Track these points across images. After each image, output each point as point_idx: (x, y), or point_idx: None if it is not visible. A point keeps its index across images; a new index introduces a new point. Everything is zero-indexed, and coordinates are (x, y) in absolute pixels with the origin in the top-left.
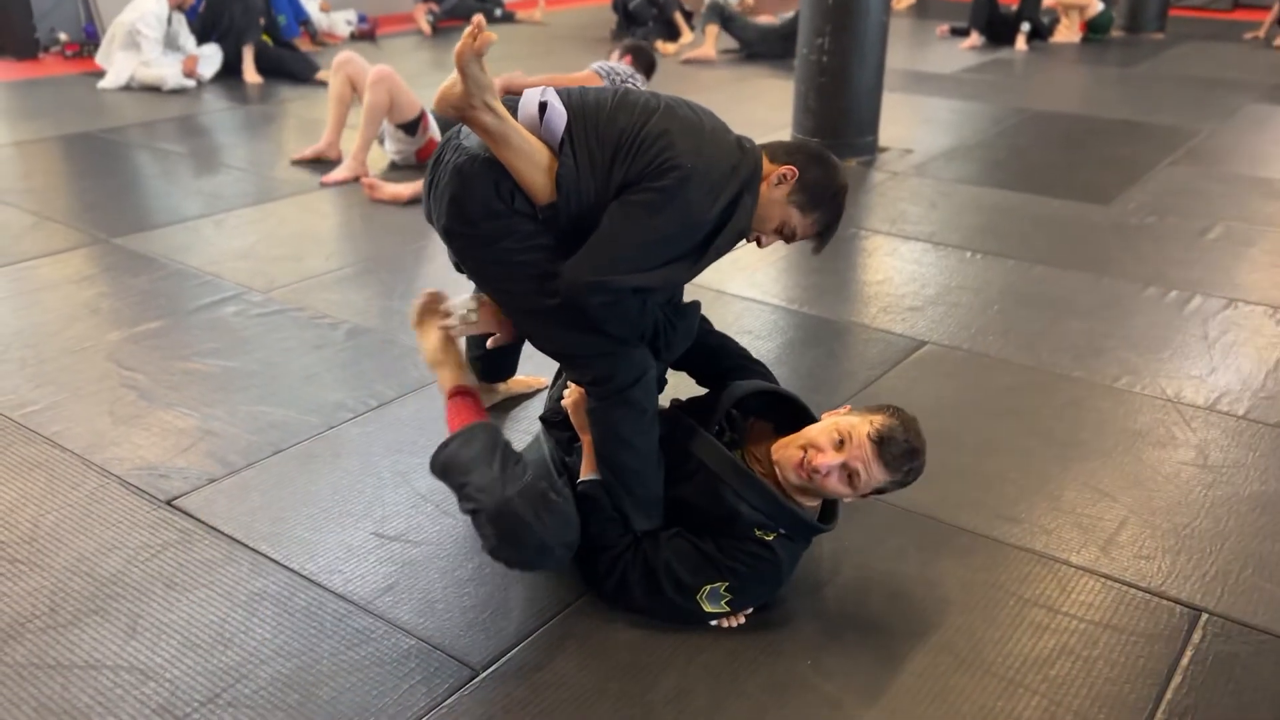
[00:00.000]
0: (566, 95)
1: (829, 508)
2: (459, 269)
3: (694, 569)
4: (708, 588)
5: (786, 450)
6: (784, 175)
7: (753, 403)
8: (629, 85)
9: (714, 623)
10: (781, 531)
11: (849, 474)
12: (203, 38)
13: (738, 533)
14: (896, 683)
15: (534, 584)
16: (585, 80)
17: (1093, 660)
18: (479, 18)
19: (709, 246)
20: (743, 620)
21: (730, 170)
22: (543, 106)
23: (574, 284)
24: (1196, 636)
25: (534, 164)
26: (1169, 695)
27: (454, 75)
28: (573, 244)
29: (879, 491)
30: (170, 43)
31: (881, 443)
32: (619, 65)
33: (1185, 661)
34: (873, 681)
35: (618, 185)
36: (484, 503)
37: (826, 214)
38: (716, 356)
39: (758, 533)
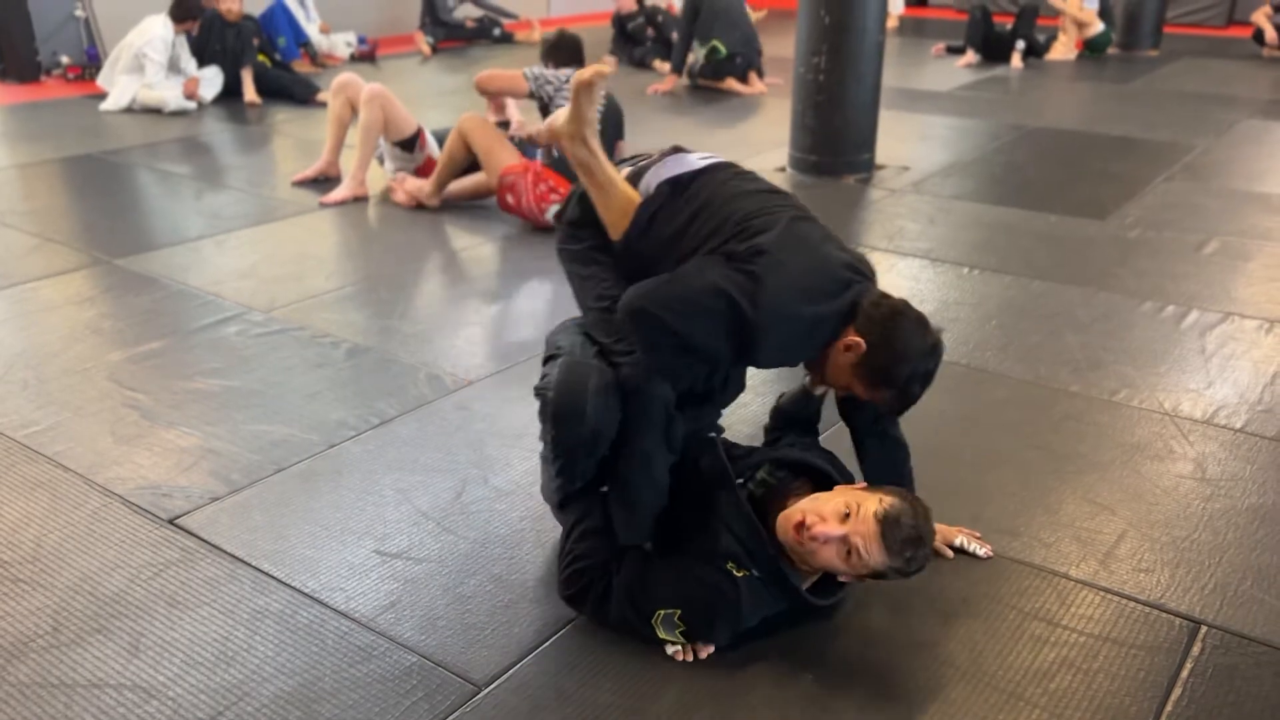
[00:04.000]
0: (706, 173)
1: (828, 584)
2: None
3: (651, 592)
4: (662, 613)
5: (789, 511)
6: (851, 345)
7: (804, 471)
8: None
9: (670, 652)
10: (754, 573)
11: (848, 550)
12: (198, 62)
13: (711, 558)
14: (899, 696)
15: (536, 600)
16: (515, 80)
17: (1093, 673)
18: (613, 59)
19: (748, 350)
20: (704, 656)
21: (815, 296)
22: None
23: (623, 305)
24: (1196, 649)
25: (611, 202)
26: (1169, 707)
27: (569, 106)
28: (634, 278)
29: (878, 575)
30: (172, 65)
31: (886, 523)
32: (548, 71)
33: (1185, 674)
34: (875, 695)
35: (690, 253)
36: (567, 355)
37: (896, 399)
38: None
39: (729, 565)
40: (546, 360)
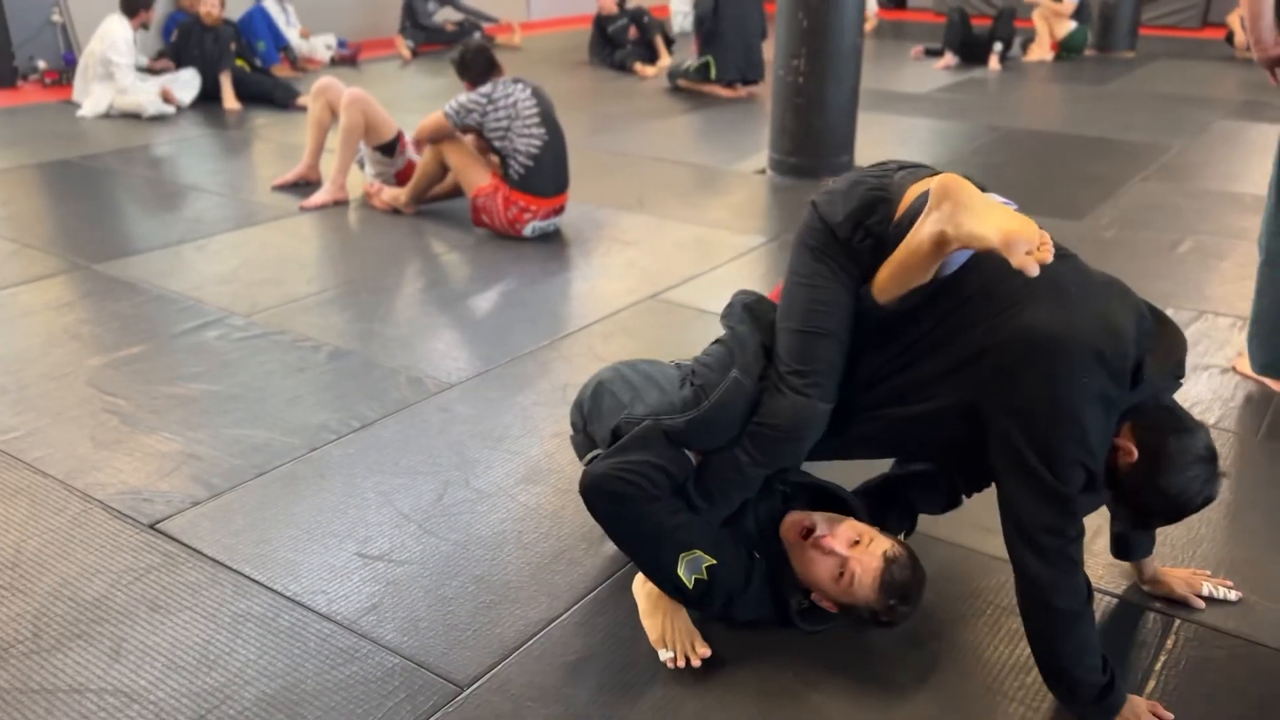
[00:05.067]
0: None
1: (817, 613)
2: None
3: (698, 535)
4: (697, 552)
5: (801, 514)
6: (1125, 451)
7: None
8: (524, 107)
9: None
10: (763, 561)
11: (841, 572)
12: (176, 66)
13: (738, 535)
14: (879, 690)
15: (518, 601)
16: (439, 124)
17: None
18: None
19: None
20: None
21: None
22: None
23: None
24: (1170, 641)
25: (905, 279)
26: (1144, 700)
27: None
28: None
29: (850, 609)
30: (141, 63)
31: (889, 565)
32: (464, 98)
33: (1159, 666)
34: (855, 689)
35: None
36: (741, 373)
37: (1162, 518)
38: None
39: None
40: (717, 341)
